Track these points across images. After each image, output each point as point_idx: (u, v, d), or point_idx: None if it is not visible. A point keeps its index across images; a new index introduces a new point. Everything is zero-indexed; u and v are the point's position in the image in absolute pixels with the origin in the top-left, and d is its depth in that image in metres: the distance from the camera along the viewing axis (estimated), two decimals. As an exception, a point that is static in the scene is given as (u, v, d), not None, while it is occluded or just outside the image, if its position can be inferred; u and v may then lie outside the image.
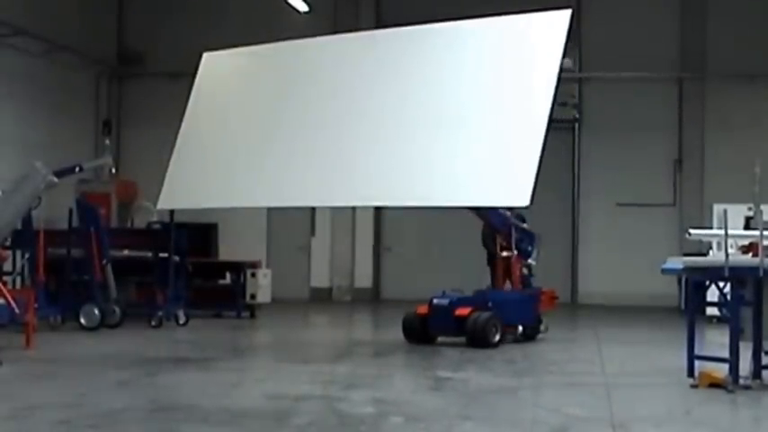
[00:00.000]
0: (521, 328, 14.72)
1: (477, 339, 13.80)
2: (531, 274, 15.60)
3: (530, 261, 15.49)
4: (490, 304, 14.29)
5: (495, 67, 10.66)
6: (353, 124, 11.28)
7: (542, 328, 15.17)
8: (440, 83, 10.85)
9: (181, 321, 16.80)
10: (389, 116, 11.02)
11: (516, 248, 15.17)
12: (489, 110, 10.40)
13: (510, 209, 15.99)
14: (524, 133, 9.92)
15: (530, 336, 14.82)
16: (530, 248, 15.48)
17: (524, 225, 15.61)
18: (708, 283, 10.95)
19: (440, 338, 14.43)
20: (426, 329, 14.40)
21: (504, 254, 15.23)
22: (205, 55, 13.24)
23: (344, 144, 11.23)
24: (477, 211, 14.59)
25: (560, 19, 10.13)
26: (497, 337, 13.96)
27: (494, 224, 15.24)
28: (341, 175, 11.16)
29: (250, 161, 12.04)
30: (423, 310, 14.50)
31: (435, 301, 14.48)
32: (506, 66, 10.59)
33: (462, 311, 14.10)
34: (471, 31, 11.08)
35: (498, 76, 10.56)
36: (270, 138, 12.02)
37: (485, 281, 15.82)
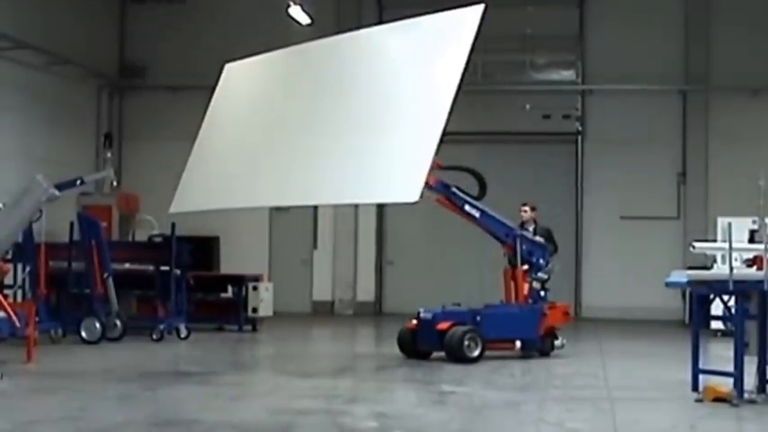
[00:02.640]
0: (518, 343, 14.45)
1: (453, 354, 13.62)
2: (544, 289, 14.95)
3: (540, 275, 14.89)
4: (478, 318, 14.11)
5: (407, 67, 11.01)
6: (281, 130, 11.80)
7: (558, 343, 14.76)
8: (355, 86, 11.20)
9: (182, 335, 16.74)
10: (301, 121, 11.47)
11: (524, 261, 14.73)
12: (395, 109, 10.64)
13: (535, 222, 15.82)
14: (423, 130, 10.03)
15: (544, 351, 14.56)
16: (540, 262, 14.89)
17: (538, 238, 15.17)
18: (712, 296, 10.90)
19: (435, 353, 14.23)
20: (415, 344, 14.28)
21: (524, 267, 14.74)
22: (226, 66, 13.43)
23: (274, 148, 11.69)
24: (476, 220, 14.40)
25: (472, 15, 10.19)
26: (477, 352, 13.68)
27: (495, 235, 14.79)
28: (250, 178, 11.76)
29: (244, 163, 12.32)
30: (413, 324, 14.38)
31: (421, 314, 14.31)
32: (417, 64, 10.91)
33: (443, 325, 13.91)
34: (392, 33, 11.37)
35: (409, 74, 10.88)
36: (255, 142, 12.42)
37: (497, 294, 15.40)
